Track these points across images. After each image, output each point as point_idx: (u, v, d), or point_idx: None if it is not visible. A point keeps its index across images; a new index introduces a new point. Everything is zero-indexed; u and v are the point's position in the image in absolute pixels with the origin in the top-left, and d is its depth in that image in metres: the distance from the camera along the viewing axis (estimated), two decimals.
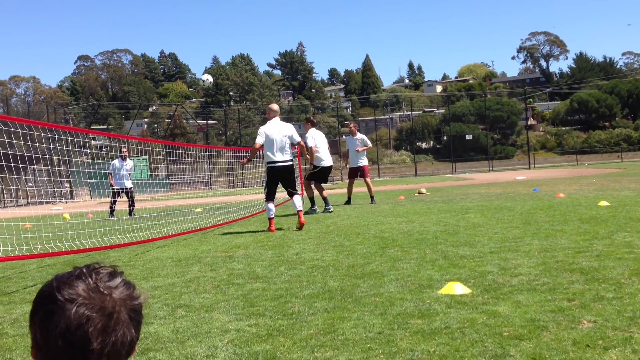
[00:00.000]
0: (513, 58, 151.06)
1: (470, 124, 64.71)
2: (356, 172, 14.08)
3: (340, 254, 6.40)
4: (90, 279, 1.17)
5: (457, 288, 4.25)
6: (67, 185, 32.29)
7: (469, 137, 54.36)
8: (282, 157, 9.19)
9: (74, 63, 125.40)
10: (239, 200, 16.67)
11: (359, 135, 14.11)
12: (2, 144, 9.09)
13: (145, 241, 8.33)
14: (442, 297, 4.13)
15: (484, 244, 6.36)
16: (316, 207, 12.24)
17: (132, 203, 15.00)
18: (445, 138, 65.89)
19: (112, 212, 14.62)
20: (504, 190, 16.39)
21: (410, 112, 63.30)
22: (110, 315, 1.14)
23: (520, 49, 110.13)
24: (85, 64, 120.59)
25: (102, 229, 9.28)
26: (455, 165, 45.91)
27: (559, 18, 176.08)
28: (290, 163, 9.40)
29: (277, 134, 9.18)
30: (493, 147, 60.75)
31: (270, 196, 9.23)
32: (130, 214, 14.62)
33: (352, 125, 14.93)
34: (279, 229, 9.29)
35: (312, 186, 12.56)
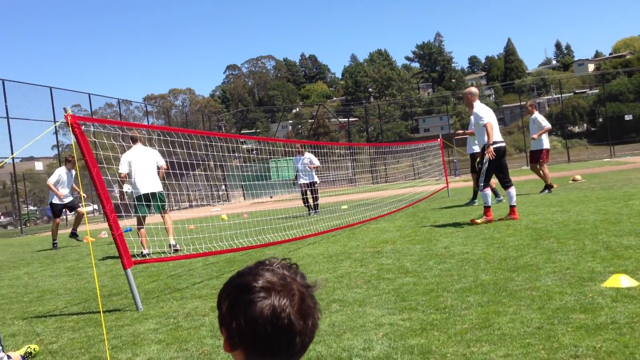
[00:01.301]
0: None
1: (630, 102, 59.33)
2: (534, 156, 13.16)
3: (491, 246, 6.23)
4: (276, 269, 1.30)
5: (623, 281, 3.96)
6: (223, 187, 34.52)
7: (628, 117, 49.88)
8: (501, 137, 8.83)
9: (223, 73, 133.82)
10: (383, 196, 16.78)
11: (535, 115, 13.11)
12: (167, 153, 9.94)
13: (297, 239, 8.69)
14: (606, 290, 3.88)
15: None
16: (476, 200, 11.79)
17: (314, 199, 14.57)
18: (600, 120, 61.09)
19: (307, 207, 14.65)
20: None
21: (559, 95, 59.54)
22: (303, 300, 1.27)
23: None
24: (233, 72, 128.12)
25: (257, 228, 9.82)
26: (613, 149, 42.37)
27: None
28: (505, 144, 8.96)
29: (492, 115, 8.80)
30: None
31: (489, 182, 8.70)
32: (315, 208, 14.41)
33: (528, 103, 13.92)
34: (424, 226, 9.22)
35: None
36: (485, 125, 8.54)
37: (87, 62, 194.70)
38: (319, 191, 15.00)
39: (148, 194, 8.91)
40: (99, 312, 4.80)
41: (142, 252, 8.79)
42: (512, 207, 8.53)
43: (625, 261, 4.71)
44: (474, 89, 9.12)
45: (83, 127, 5.30)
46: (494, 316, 3.60)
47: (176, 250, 8.82)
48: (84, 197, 9.14)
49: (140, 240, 8.99)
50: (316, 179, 14.79)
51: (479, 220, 8.43)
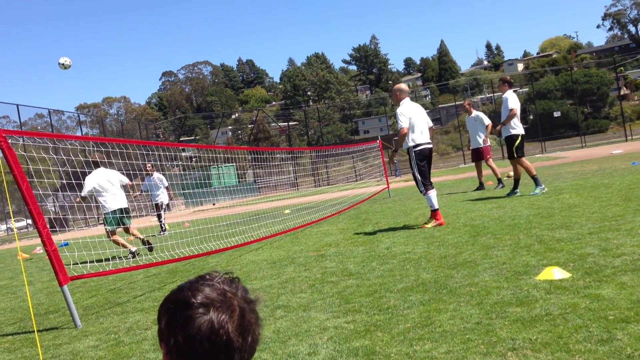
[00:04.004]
0: (598, 27, 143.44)
1: (557, 100, 61.89)
2: (478, 154, 13.23)
3: (431, 245, 6.36)
4: (216, 285, 1.27)
5: (555, 273, 4.13)
6: None
7: (557, 114, 51.99)
8: (427, 138, 8.30)
9: (159, 80, 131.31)
10: (326, 199, 16.87)
11: (475, 114, 13.11)
12: (102, 164, 9.70)
13: (239, 245, 8.62)
14: (540, 283, 4.03)
15: (581, 225, 6.13)
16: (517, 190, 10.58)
17: (159, 217, 15.36)
18: (531, 117, 63.40)
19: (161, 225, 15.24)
20: (600, 166, 15.62)
21: (491, 94, 61.49)
22: (243, 316, 1.25)
23: (605, 16, 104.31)
24: (170, 79, 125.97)
25: (199, 237, 9.69)
26: (544, 145, 44.08)
27: None
28: (432, 146, 8.49)
29: (417, 114, 8.30)
30: (584, 121, 57.84)
31: (428, 183, 8.17)
32: (162, 228, 15.00)
33: (466, 102, 13.72)
34: (369, 233, 9.32)
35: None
36: (400, 130, 8.19)
37: (14, 72, 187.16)
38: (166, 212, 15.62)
39: (122, 208, 9.60)
40: (34, 331, 4.62)
41: (130, 251, 9.36)
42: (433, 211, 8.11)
43: (558, 254, 4.91)
44: (403, 86, 8.72)
45: (10, 141, 5.10)
46: (435, 314, 3.68)
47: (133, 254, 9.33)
48: None
49: (122, 243, 9.52)
50: (166, 199, 15.52)
51: (428, 225, 7.98)
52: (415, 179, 8.32)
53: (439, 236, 6.93)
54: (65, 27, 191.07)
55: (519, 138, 10.38)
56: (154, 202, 15.37)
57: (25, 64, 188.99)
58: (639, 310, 3.14)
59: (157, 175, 15.37)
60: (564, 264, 4.47)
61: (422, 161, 8.22)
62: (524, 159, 10.41)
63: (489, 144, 13.35)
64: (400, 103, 8.37)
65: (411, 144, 8.22)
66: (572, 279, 4.02)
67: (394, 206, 12.44)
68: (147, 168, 15.28)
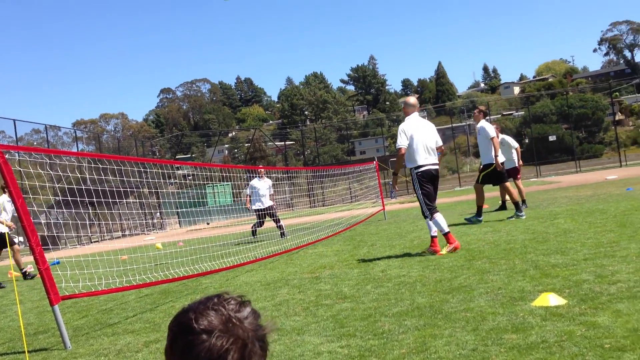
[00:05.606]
0: (594, 51, 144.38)
1: (553, 124, 62.31)
2: (513, 173, 12.46)
3: (427, 268, 6.33)
4: (223, 309, 1.23)
5: (551, 299, 4.10)
6: (158, 215, 33.71)
7: (552, 138, 52.24)
8: (433, 159, 7.64)
9: (157, 97, 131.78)
10: (321, 220, 16.83)
11: (502, 136, 12.24)
12: (99, 181, 9.68)
13: (233, 266, 8.57)
14: (536, 309, 4.01)
15: (577, 251, 6.11)
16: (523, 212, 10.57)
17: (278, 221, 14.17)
18: (526, 141, 63.76)
19: (254, 232, 14.29)
20: (595, 191, 15.66)
21: (488, 117, 61.89)
22: (245, 346, 1.21)
23: (601, 41, 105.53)
24: (168, 96, 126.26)
25: (193, 257, 9.63)
26: (539, 169, 44.19)
27: None
28: (438, 167, 7.76)
29: (423, 132, 7.63)
30: (579, 146, 58.18)
31: (433, 207, 7.53)
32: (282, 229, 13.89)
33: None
34: (366, 262, 9.28)
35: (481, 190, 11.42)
36: (397, 151, 7.66)
37: (11, 86, 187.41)
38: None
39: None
40: (25, 352, 4.55)
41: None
42: (432, 237, 7.55)
43: (553, 279, 4.89)
44: (412, 99, 8.05)
45: (7, 156, 5.08)
46: (431, 339, 3.65)
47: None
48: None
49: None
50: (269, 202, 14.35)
51: (443, 251, 7.32)
52: (419, 202, 7.66)
53: (434, 259, 6.90)
54: (64, 43, 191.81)
55: (492, 167, 10.78)
56: (259, 208, 14.10)
57: (22, 80, 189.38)
58: (634, 339, 3.11)
59: (268, 180, 14.39)
60: (559, 290, 4.45)
61: (426, 182, 7.56)
62: (508, 184, 10.98)
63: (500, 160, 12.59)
64: (406, 118, 7.80)
65: (412, 165, 7.62)
66: (568, 305, 4.00)
67: (389, 228, 12.42)
68: (260, 171, 14.47)
